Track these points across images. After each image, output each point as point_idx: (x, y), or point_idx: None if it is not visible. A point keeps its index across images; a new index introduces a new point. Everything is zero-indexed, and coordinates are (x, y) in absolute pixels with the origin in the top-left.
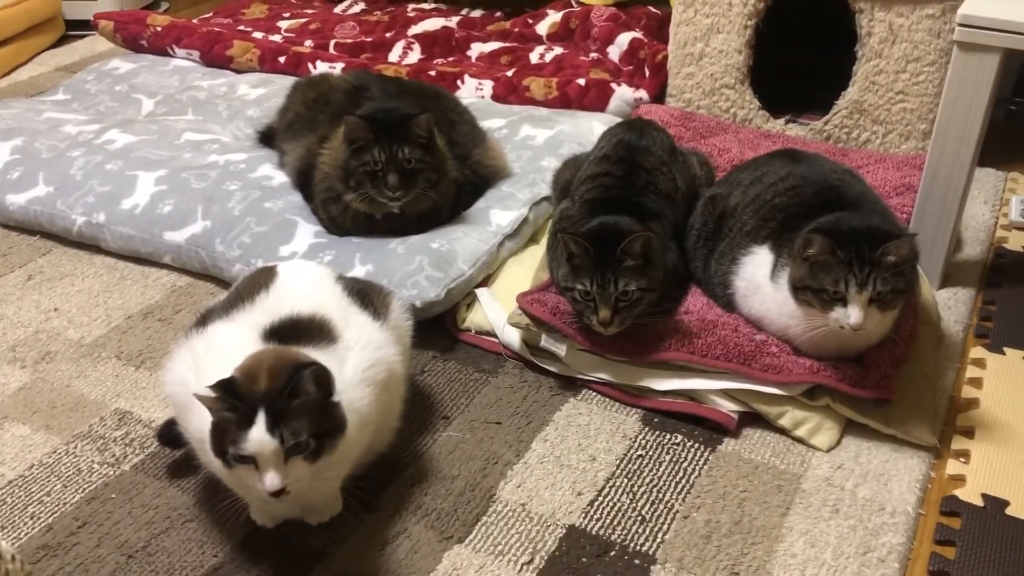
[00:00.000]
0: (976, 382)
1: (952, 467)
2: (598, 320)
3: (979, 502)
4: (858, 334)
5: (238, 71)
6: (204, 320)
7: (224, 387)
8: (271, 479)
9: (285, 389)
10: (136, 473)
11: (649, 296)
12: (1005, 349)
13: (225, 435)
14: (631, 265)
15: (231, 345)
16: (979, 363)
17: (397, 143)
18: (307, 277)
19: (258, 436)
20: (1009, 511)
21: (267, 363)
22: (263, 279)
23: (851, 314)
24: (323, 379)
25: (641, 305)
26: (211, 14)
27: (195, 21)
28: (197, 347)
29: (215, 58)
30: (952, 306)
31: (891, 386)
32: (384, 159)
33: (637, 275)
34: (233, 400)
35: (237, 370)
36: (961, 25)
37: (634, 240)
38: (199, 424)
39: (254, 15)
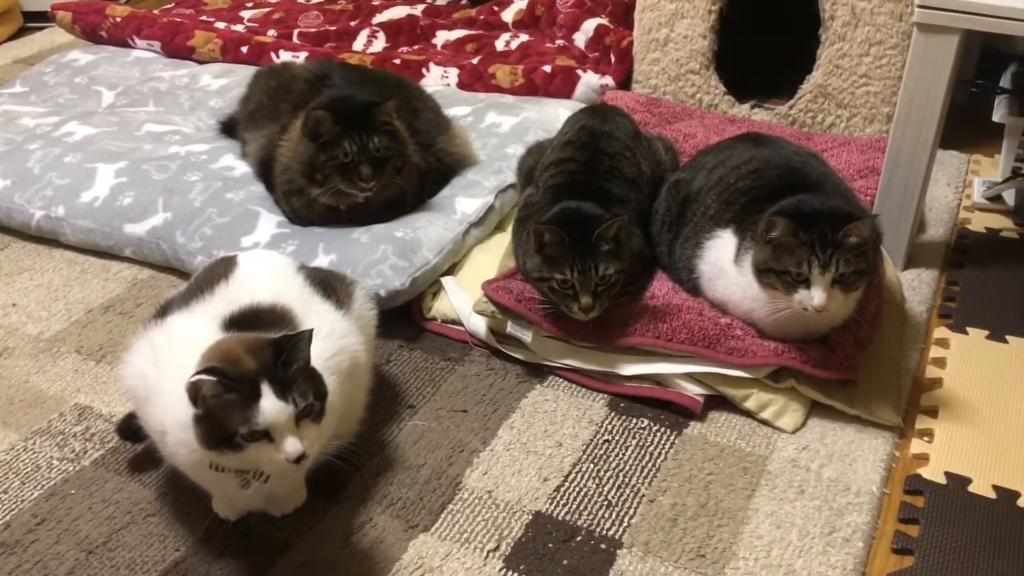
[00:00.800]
0: (940, 362)
1: (916, 446)
2: (580, 307)
3: (942, 480)
4: (822, 316)
5: (200, 62)
6: (163, 312)
7: (215, 373)
8: (292, 444)
9: (280, 358)
10: (96, 468)
11: (622, 277)
12: (968, 329)
13: (229, 418)
14: (607, 249)
15: (191, 336)
16: (943, 343)
17: (366, 133)
18: (267, 267)
19: (271, 405)
20: (971, 488)
21: (241, 345)
22: (223, 269)
23: (814, 295)
24: (310, 342)
25: (616, 287)
26: (172, 4)
27: (156, 12)
28: (156, 339)
29: (176, 49)
30: (916, 287)
31: (855, 367)
32: (355, 151)
33: (613, 258)
34: (232, 381)
35: (211, 360)
36: (921, 7)
37: (610, 225)
38: (160, 416)
39: (216, 5)
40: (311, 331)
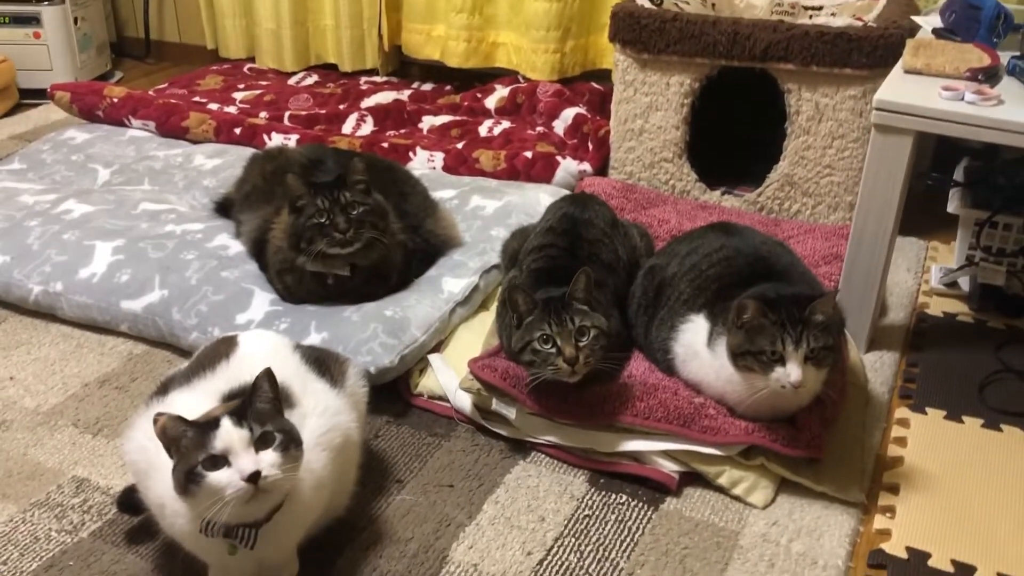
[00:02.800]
0: (901, 441)
1: (879, 522)
2: (564, 359)
3: (903, 555)
4: (796, 393)
5: (194, 142)
6: (165, 388)
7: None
8: (245, 462)
9: (243, 399)
10: (94, 540)
11: (602, 340)
12: (927, 409)
13: (191, 452)
14: (580, 308)
15: (191, 413)
16: (903, 423)
17: (336, 190)
18: (266, 346)
19: (226, 429)
20: (931, 563)
21: (221, 406)
22: (223, 348)
23: (791, 372)
24: (274, 378)
25: (597, 347)
26: (166, 84)
27: (151, 92)
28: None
29: (171, 129)
30: (878, 369)
31: (820, 446)
32: (328, 205)
33: (588, 315)
34: (197, 421)
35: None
36: (877, 109)
37: (577, 279)
38: (159, 490)
39: (209, 86)
40: (268, 369)
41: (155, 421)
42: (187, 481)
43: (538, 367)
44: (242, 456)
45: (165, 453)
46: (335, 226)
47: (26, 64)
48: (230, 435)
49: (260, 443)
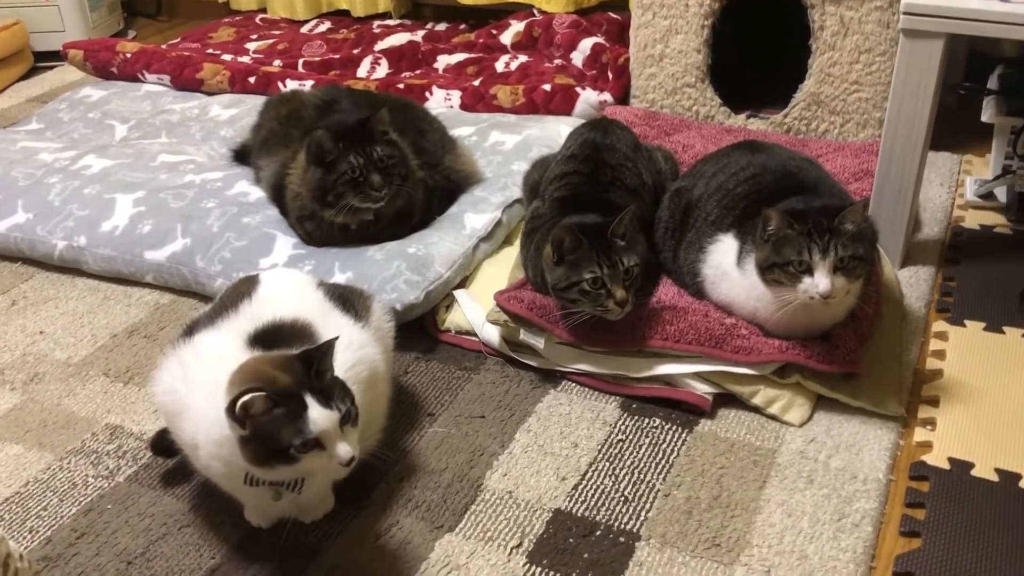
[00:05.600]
0: (939, 354)
1: (919, 434)
2: (616, 301)
3: (946, 466)
4: (825, 308)
5: (209, 93)
6: (190, 330)
7: (261, 390)
8: (344, 449)
9: (312, 370)
10: (131, 484)
11: (641, 272)
12: (966, 322)
13: (280, 432)
14: (623, 245)
15: (218, 352)
16: (941, 336)
17: (368, 145)
18: (288, 284)
19: (319, 414)
20: (974, 472)
21: (269, 364)
22: (246, 288)
23: (819, 282)
24: (333, 352)
25: (638, 283)
26: (179, 39)
27: (164, 46)
28: (185, 356)
29: (186, 81)
30: (914, 283)
31: (857, 360)
32: (362, 163)
33: (631, 252)
34: (279, 396)
35: (246, 381)
36: (906, 13)
37: (623, 217)
38: (192, 431)
39: (222, 38)
40: (334, 340)
41: (239, 397)
42: (275, 459)
43: (583, 306)
44: (339, 443)
45: (197, 394)
46: (370, 183)
47: (38, 27)
48: (324, 420)
49: (343, 420)
